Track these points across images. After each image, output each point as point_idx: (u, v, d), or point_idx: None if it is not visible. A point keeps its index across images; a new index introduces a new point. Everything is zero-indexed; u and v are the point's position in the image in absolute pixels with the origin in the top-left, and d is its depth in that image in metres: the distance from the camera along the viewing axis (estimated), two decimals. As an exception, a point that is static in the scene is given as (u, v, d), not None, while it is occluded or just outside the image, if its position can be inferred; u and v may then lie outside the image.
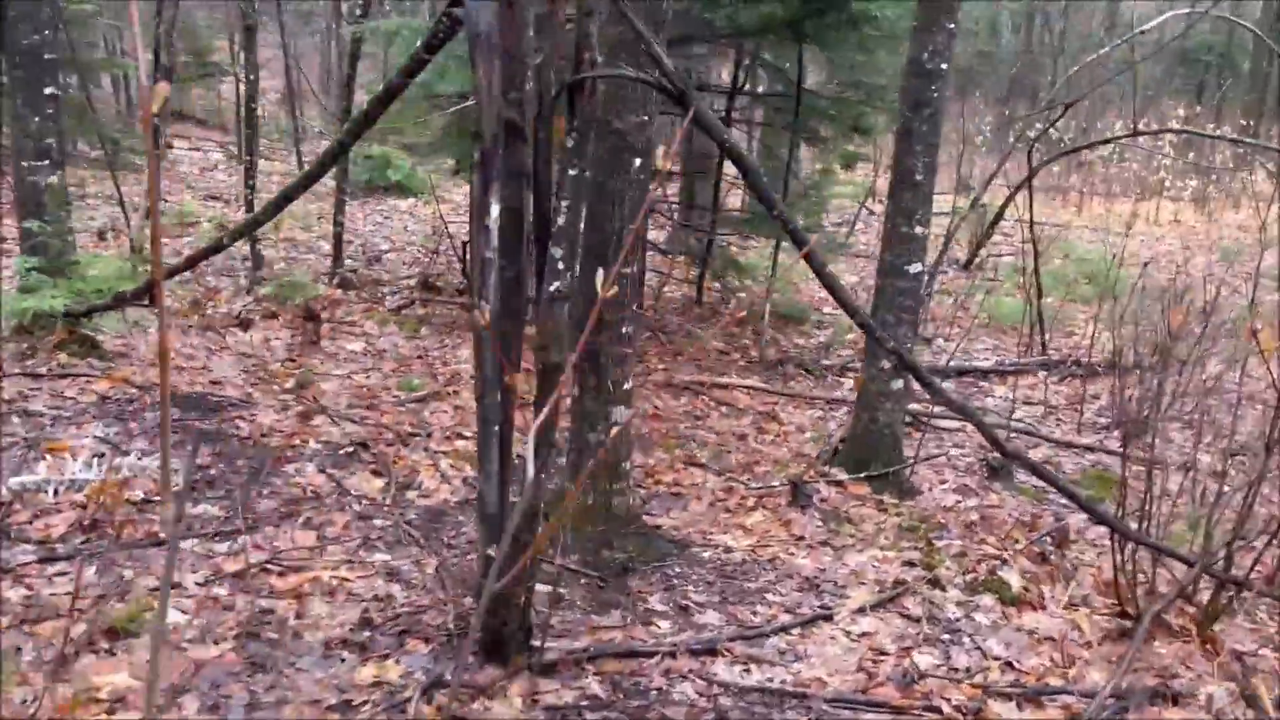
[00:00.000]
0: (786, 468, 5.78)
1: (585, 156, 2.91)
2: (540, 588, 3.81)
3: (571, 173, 2.91)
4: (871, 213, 15.78)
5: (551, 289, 2.95)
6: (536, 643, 3.34)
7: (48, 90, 6.43)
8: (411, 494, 4.65)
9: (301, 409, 5.54)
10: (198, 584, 3.51)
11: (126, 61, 16.29)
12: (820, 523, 4.99)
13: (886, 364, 5.39)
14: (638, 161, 4.05)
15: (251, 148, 9.59)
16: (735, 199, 14.56)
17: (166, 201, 12.98)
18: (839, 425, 6.73)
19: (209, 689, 2.97)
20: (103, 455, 4.49)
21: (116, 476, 4.15)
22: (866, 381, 5.48)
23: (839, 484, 5.48)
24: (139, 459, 4.45)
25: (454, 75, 8.01)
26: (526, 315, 3.11)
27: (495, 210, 2.83)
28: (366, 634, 3.39)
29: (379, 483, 4.69)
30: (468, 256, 9.17)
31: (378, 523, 4.27)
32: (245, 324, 7.46)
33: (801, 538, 4.79)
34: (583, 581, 4.07)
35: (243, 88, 11.93)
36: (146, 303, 5.71)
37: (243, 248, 9.50)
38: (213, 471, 4.54)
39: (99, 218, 10.90)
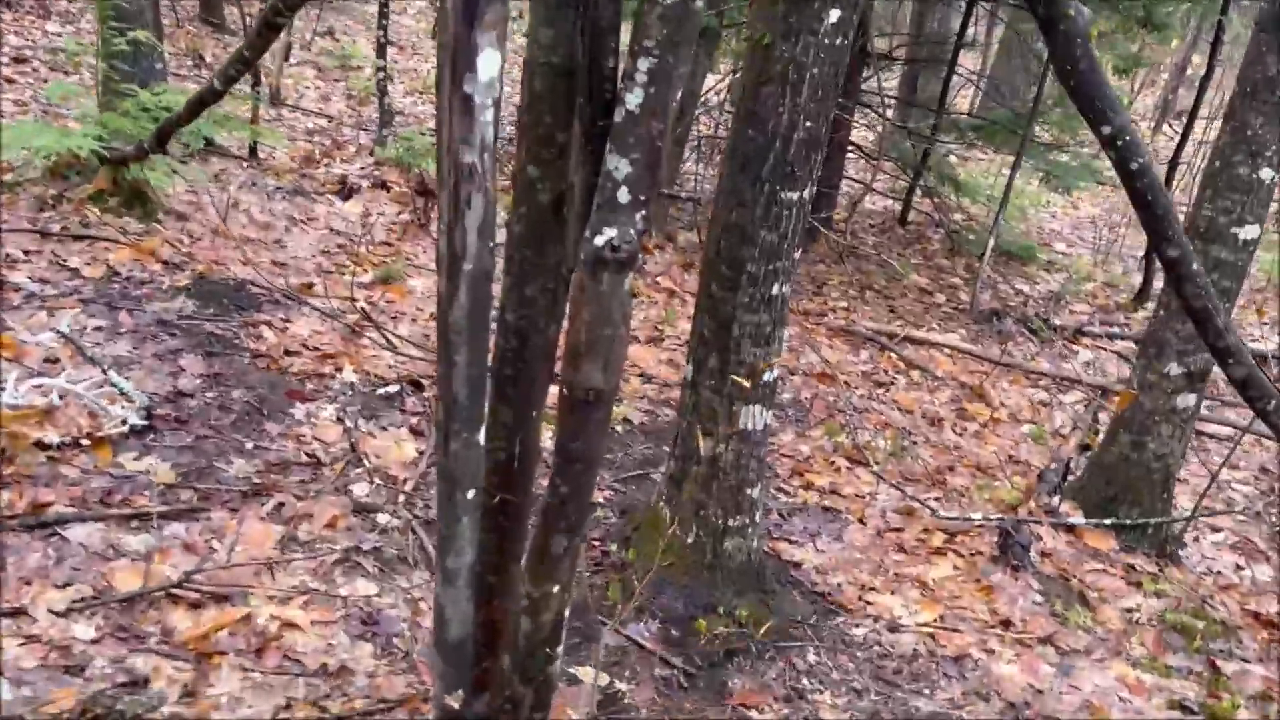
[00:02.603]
0: (992, 486, 4.13)
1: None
2: (588, 674, 2.43)
3: (664, 5, 1.34)
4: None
5: (601, 241, 1.43)
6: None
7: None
8: (453, 471, 3.31)
9: (355, 318, 4.26)
10: (53, 612, 2.28)
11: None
12: (1040, 597, 3.36)
13: (1175, 368, 3.60)
14: (835, 14, 2.40)
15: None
16: (964, 100, 12.32)
17: (338, 41, 12.00)
18: (1074, 424, 4.96)
19: None
20: (55, 363, 3.33)
21: (38, 403, 2.97)
22: (1139, 391, 3.71)
23: (1070, 529, 3.80)
24: (101, 376, 3.26)
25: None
26: (559, 289, 1.63)
27: (489, 63, 1.31)
28: (275, 752, 2.09)
29: (411, 449, 3.36)
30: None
31: (381, 519, 2.95)
32: (347, 192, 6.25)
33: (1009, 623, 3.19)
34: (657, 672, 2.64)
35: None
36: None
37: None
38: (193, 402, 3.32)
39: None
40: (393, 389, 3.71)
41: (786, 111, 2.44)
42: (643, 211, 1.45)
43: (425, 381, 3.81)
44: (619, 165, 1.42)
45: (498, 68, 1.34)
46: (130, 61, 5.21)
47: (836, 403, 4.74)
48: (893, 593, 3.26)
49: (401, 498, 3.06)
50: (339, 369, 3.76)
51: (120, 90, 5.00)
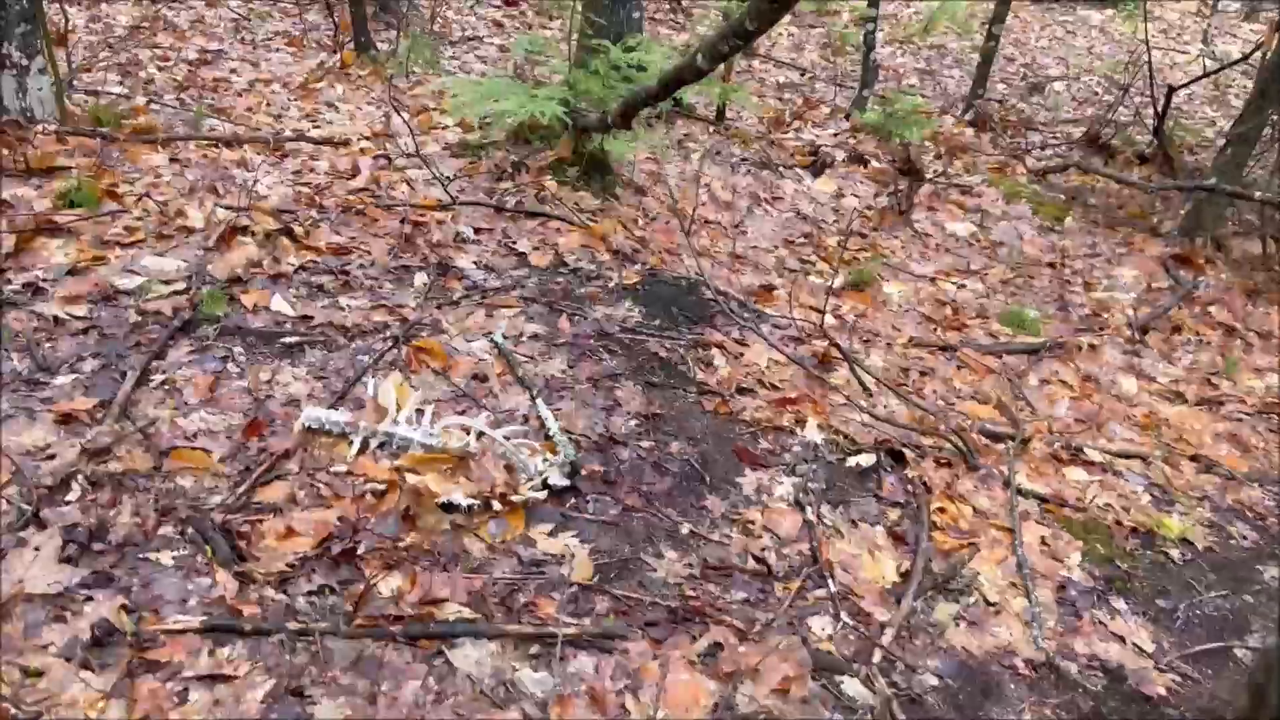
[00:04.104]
0: None
1: None
2: None
3: None
4: None
5: None
6: None
7: None
8: (945, 610, 2.37)
9: (823, 348, 3.42)
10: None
11: None
12: None
13: None
14: None
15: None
16: None
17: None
18: None
19: None
20: (482, 381, 2.83)
21: (453, 447, 2.45)
22: None
23: None
24: (528, 404, 2.71)
25: None
26: None
27: None
28: None
29: (890, 565, 2.47)
30: (1162, 105, 6.09)
31: (848, 688, 2.09)
32: (819, 166, 5.41)
33: None
34: None
35: None
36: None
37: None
38: (625, 454, 2.66)
39: None
40: (866, 459, 2.83)
41: None
42: None
43: (909, 453, 2.88)
44: None
45: None
46: (606, 12, 4.73)
47: None
48: None
49: (877, 653, 2.18)
50: (800, 421, 2.94)
51: (592, 45, 4.53)
